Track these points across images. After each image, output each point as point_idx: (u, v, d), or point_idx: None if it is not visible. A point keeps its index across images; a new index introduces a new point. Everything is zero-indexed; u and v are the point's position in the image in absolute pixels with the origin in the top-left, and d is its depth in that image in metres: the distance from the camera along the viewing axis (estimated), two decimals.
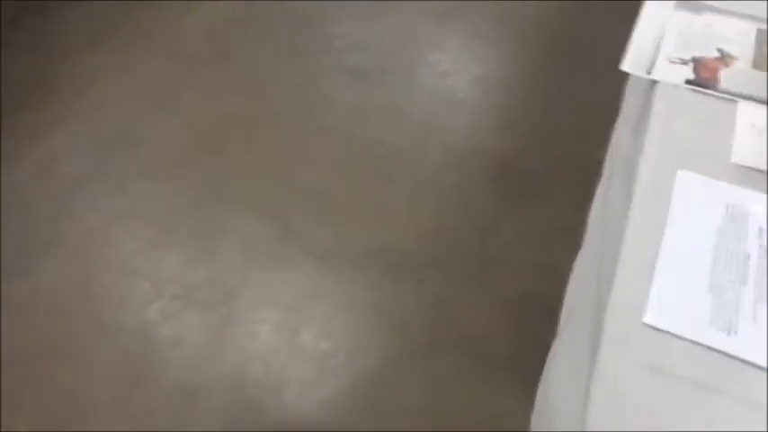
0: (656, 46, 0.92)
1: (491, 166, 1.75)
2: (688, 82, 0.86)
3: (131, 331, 1.47)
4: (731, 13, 0.97)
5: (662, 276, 0.65)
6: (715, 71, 0.88)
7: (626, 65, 0.90)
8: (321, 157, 1.79)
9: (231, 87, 1.99)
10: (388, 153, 1.79)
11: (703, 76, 0.87)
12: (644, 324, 0.61)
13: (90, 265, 1.59)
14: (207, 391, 1.37)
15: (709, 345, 0.60)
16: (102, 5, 2.19)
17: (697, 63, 0.89)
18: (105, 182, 1.75)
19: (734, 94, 0.84)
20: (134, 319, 1.49)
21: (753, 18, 0.95)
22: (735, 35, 0.93)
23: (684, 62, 0.89)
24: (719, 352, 0.59)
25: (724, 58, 0.90)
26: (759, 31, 0.94)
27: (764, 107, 0.83)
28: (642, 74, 0.88)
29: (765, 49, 0.91)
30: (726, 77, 0.87)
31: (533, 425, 0.73)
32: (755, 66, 0.89)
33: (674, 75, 0.87)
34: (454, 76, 1.99)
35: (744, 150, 0.78)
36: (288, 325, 1.47)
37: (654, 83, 0.86)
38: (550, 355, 0.76)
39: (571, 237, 0.91)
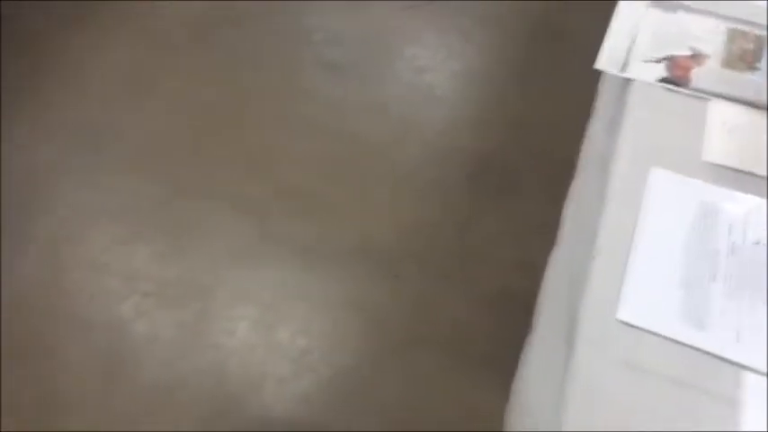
0: (630, 44, 0.93)
1: (469, 162, 1.76)
2: (661, 80, 0.87)
3: (104, 328, 1.45)
4: (703, 12, 0.98)
5: (635, 273, 0.66)
6: (687, 69, 0.89)
7: (600, 63, 0.90)
8: (299, 152, 1.78)
9: (207, 79, 1.96)
10: (367, 148, 1.78)
11: (676, 75, 0.88)
12: (618, 321, 0.62)
13: (60, 262, 1.56)
14: (184, 389, 1.36)
15: (679, 340, 0.61)
16: None
17: (670, 61, 0.90)
18: (74, 175, 1.72)
19: (705, 93, 0.85)
20: (106, 316, 1.47)
21: (724, 17, 0.97)
22: (706, 34, 0.95)
23: (658, 60, 0.90)
24: (690, 347, 0.60)
25: (696, 57, 0.91)
26: (729, 30, 0.95)
27: (735, 105, 0.84)
28: (616, 72, 0.89)
29: (735, 48, 0.93)
30: (698, 76, 0.88)
31: (508, 422, 0.74)
32: (726, 64, 0.90)
33: (647, 73, 0.88)
34: (432, 72, 1.99)
35: (714, 148, 0.79)
36: (264, 322, 1.46)
37: (628, 81, 0.87)
38: (525, 351, 0.76)
39: (549, 232, 0.92)
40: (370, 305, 1.48)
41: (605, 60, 0.91)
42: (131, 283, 1.52)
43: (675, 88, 0.86)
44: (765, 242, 0.69)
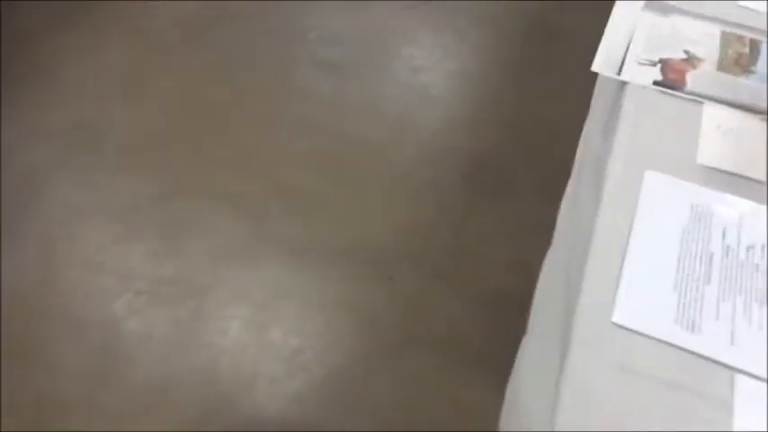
0: (625, 47, 0.93)
1: (465, 162, 1.76)
2: (656, 83, 0.87)
3: (98, 327, 1.45)
4: (697, 15, 0.98)
5: (630, 276, 0.66)
6: (682, 73, 0.89)
7: (596, 65, 0.91)
8: (294, 151, 1.78)
9: (203, 79, 1.96)
10: (362, 148, 1.78)
11: (671, 78, 0.88)
12: (613, 323, 0.62)
13: (55, 260, 1.56)
14: (177, 388, 1.35)
15: (674, 343, 0.61)
16: None
17: (665, 64, 0.90)
18: (68, 174, 1.71)
19: (700, 96, 0.86)
20: (101, 315, 1.47)
21: (719, 21, 0.97)
22: (701, 37, 0.95)
23: (653, 63, 0.91)
24: (684, 350, 0.61)
25: (691, 60, 0.92)
26: (724, 33, 0.96)
27: (729, 109, 0.85)
28: (612, 75, 0.89)
29: (730, 51, 0.93)
30: (692, 79, 0.88)
31: (503, 422, 0.74)
32: (721, 68, 0.91)
33: (642, 76, 0.88)
34: (428, 72, 2.00)
35: (709, 151, 0.79)
36: (257, 321, 1.46)
37: (623, 83, 0.88)
38: (520, 352, 0.76)
39: (544, 233, 0.92)
40: (363, 305, 1.48)
41: (601, 62, 0.91)
42: (126, 282, 1.51)
43: (670, 91, 0.86)
44: (759, 246, 0.70)
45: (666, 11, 0.99)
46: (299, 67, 1.99)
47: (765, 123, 0.83)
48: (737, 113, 0.84)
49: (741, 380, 0.59)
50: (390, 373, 1.38)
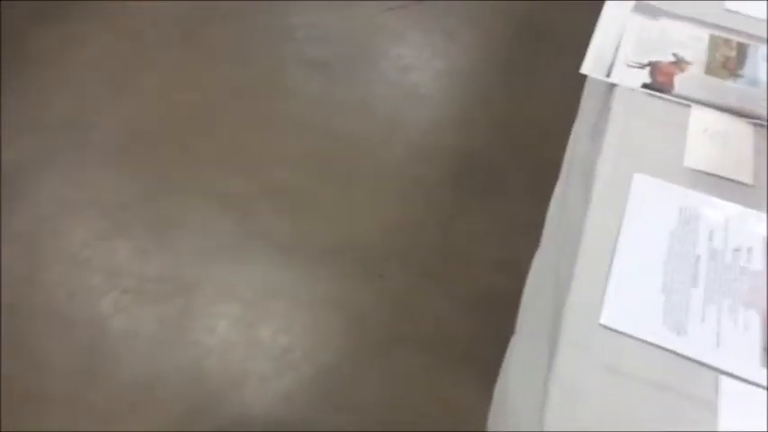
0: (615, 49, 0.94)
1: (454, 162, 1.76)
2: (645, 86, 0.88)
3: (84, 324, 1.44)
4: (686, 19, 0.99)
5: (618, 278, 0.67)
6: (671, 76, 0.90)
7: (585, 68, 0.91)
8: (283, 150, 1.77)
9: (190, 73, 1.95)
10: (351, 147, 1.78)
11: (659, 81, 0.89)
12: (600, 325, 0.63)
13: (39, 257, 1.55)
14: (164, 386, 1.35)
15: (661, 345, 0.62)
16: None
17: (653, 67, 0.91)
18: (54, 170, 1.70)
19: (688, 99, 0.87)
20: (86, 312, 1.46)
21: (707, 24, 0.98)
22: (689, 40, 0.96)
23: (642, 66, 0.91)
24: (671, 352, 0.61)
25: (679, 63, 0.92)
26: (712, 37, 0.97)
27: (716, 112, 0.85)
28: (601, 77, 0.90)
29: (718, 55, 0.94)
30: (680, 82, 0.89)
31: (491, 422, 0.75)
32: (708, 71, 0.92)
33: (631, 79, 0.89)
34: (417, 71, 2.00)
35: (696, 154, 0.80)
36: (246, 319, 1.46)
37: (612, 86, 0.88)
38: (508, 352, 0.77)
39: (534, 233, 0.93)
40: (352, 303, 1.48)
41: (590, 64, 0.92)
42: (112, 279, 1.50)
43: (659, 94, 0.87)
44: (745, 249, 0.70)
45: (655, 13, 1.00)
46: (288, 65, 1.99)
47: (752, 127, 0.84)
48: (724, 117, 0.85)
49: (726, 381, 0.59)
50: (379, 372, 1.38)
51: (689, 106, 0.86)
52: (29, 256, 1.54)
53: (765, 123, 0.84)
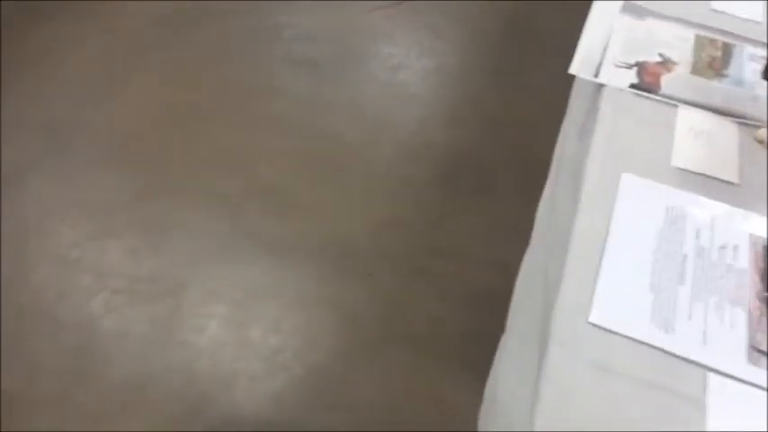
0: (603, 49, 0.95)
1: (444, 161, 1.77)
2: (632, 86, 0.89)
3: (73, 325, 1.43)
4: (672, 19, 1.00)
5: (606, 277, 0.68)
6: (657, 76, 0.91)
7: (574, 68, 0.92)
8: (272, 149, 1.77)
9: (179, 74, 1.94)
10: (341, 146, 1.79)
11: (646, 81, 0.90)
12: (590, 323, 0.63)
13: (28, 258, 1.54)
14: (154, 386, 1.34)
15: (649, 343, 0.63)
16: None
17: (641, 68, 0.92)
18: (42, 171, 1.69)
19: (674, 99, 0.87)
20: (76, 313, 1.45)
21: (692, 24, 0.99)
22: (675, 40, 0.97)
23: (629, 66, 0.92)
24: (659, 350, 0.62)
25: (665, 63, 0.93)
26: (697, 36, 0.98)
27: (702, 112, 0.86)
28: (589, 77, 0.91)
29: (704, 55, 0.95)
30: (667, 82, 0.90)
31: (482, 422, 0.75)
32: (694, 71, 0.93)
33: (619, 79, 0.90)
34: (405, 70, 2.00)
35: (683, 154, 0.81)
36: (236, 319, 1.45)
37: (600, 86, 0.89)
38: (499, 351, 0.77)
39: (523, 232, 0.93)
40: (343, 303, 1.48)
41: (579, 65, 0.93)
42: (102, 280, 1.50)
43: (646, 94, 0.88)
44: (731, 247, 0.71)
45: (642, 14, 1.01)
46: (275, 65, 1.98)
47: (737, 126, 0.85)
48: (710, 116, 0.86)
49: (713, 379, 0.60)
50: (370, 371, 1.38)
51: (676, 106, 0.86)
52: (18, 256, 1.53)
53: (750, 122, 0.85)
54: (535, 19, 2.13)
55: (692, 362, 0.62)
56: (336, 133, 1.81)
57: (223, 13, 2.10)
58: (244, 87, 1.92)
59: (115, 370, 1.37)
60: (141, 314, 1.45)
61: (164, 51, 1.98)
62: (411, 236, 1.61)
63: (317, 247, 1.57)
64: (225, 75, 1.94)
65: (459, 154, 1.78)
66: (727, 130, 0.84)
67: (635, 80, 0.90)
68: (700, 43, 0.97)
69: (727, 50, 0.96)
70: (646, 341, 0.63)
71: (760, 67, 0.90)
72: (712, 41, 0.97)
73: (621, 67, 0.92)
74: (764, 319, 0.65)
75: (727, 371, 0.61)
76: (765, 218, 0.74)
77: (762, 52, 0.95)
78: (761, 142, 0.83)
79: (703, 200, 0.76)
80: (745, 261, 0.70)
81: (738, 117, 0.86)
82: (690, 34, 0.98)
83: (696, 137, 0.83)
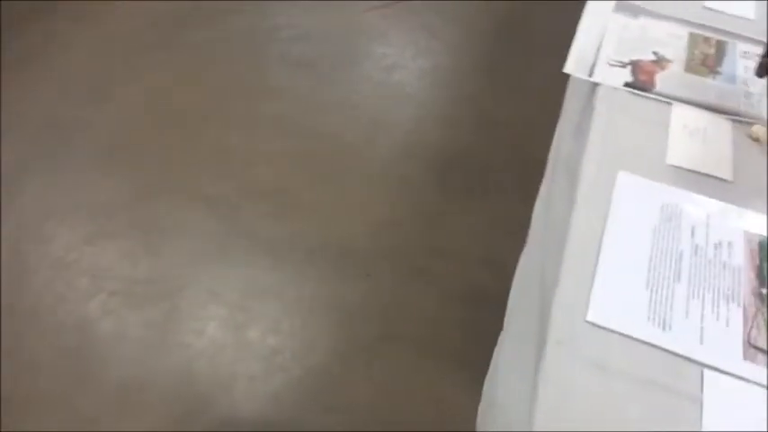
0: (597, 48, 0.95)
1: (440, 161, 1.77)
2: (627, 85, 0.89)
3: (71, 327, 1.43)
4: (665, 17, 1.01)
5: (603, 275, 0.68)
6: (652, 74, 0.91)
7: (569, 67, 0.92)
8: (268, 150, 1.77)
9: (175, 75, 1.94)
10: (337, 146, 1.79)
11: (641, 79, 0.90)
12: (587, 322, 0.64)
13: (25, 260, 1.53)
14: (152, 388, 1.34)
15: (646, 340, 0.63)
16: None
17: (635, 66, 0.92)
18: (40, 173, 1.69)
19: (669, 97, 0.88)
20: (73, 315, 1.45)
21: (686, 22, 1.00)
22: (669, 38, 0.97)
23: (623, 65, 0.92)
24: (657, 347, 0.62)
25: (659, 61, 0.94)
26: (691, 34, 0.98)
27: (696, 110, 0.87)
28: (584, 76, 0.91)
29: (697, 52, 0.96)
30: (661, 80, 0.90)
31: (480, 421, 0.75)
32: (688, 69, 0.93)
33: (613, 77, 0.90)
34: (401, 70, 2.00)
35: (678, 152, 0.81)
36: (235, 321, 1.45)
37: (595, 85, 0.89)
38: (496, 351, 0.78)
39: (519, 231, 0.93)
40: (342, 303, 1.48)
41: (573, 64, 0.93)
42: (99, 282, 1.50)
43: (640, 93, 0.88)
44: (726, 244, 0.72)
45: (636, 12, 1.02)
46: (272, 66, 1.99)
47: (731, 123, 0.85)
48: (704, 114, 0.86)
49: (710, 375, 0.61)
50: (369, 371, 1.39)
51: (670, 104, 0.87)
52: (14, 260, 1.53)
53: (744, 120, 0.85)
54: (530, 19, 2.14)
55: (689, 359, 0.62)
56: (333, 133, 1.81)
57: (219, 15, 2.10)
58: (240, 88, 1.92)
59: (113, 371, 1.37)
60: (139, 316, 1.45)
61: (163, 51, 1.98)
62: (407, 235, 1.61)
63: (314, 248, 1.58)
64: (221, 75, 1.94)
65: (455, 153, 1.79)
66: (721, 128, 0.85)
67: (629, 79, 0.90)
68: (693, 41, 0.97)
69: (721, 48, 0.96)
70: (643, 339, 0.63)
71: (752, 64, 0.90)
72: (706, 39, 0.98)
73: (616, 65, 0.92)
74: (760, 315, 0.66)
75: (724, 367, 0.61)
76: (759, 215, 0.74)
77: (754, 49, 0.95)
78: (755, 139, 0.83)
79: (698, 197, 0.76)
80: (741, 258, 0.70)
81: (732, 114, 0.86)
82: (683, 32, 0.99)
83: (690, 134, 0.84)
